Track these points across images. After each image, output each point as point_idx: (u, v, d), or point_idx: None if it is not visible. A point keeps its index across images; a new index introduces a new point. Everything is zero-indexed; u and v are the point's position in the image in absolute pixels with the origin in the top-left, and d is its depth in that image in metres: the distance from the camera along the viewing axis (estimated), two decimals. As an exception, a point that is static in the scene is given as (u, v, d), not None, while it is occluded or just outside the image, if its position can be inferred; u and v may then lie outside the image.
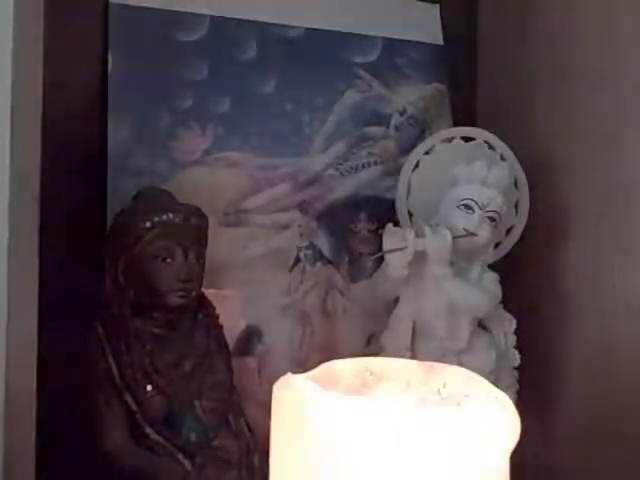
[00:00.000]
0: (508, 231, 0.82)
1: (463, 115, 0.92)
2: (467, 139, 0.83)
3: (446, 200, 0.77)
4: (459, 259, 0.75)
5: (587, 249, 0.82)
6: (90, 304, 0.68)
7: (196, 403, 0.66)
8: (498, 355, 0.77)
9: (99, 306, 0.67)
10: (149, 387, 0.65)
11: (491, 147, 0.82)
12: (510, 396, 0.42)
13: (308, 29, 0.87)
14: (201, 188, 0.78)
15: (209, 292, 0.71)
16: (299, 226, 0.83)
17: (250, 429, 0.68)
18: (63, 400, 0.65)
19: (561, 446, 0.83)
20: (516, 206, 0.82)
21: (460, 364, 0.66)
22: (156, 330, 0.67)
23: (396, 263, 0.74)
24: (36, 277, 0.56)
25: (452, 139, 0.83)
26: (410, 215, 0.82)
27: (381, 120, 0.89)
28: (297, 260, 0.82)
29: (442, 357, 0.72)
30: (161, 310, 0.67)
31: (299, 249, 0.82)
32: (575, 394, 0.83)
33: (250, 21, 0.84)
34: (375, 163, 0.87)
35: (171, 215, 0.65)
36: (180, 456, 0.64)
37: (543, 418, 0.83)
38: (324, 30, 0.88)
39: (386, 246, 0.74)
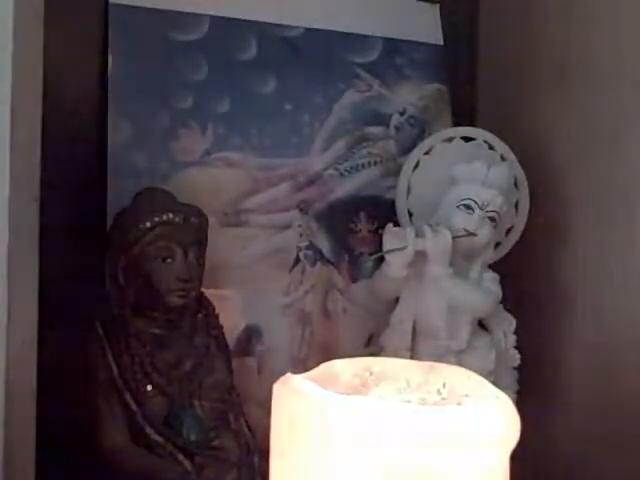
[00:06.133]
0: (508, 231, 0.82)
1: (463, 115, 0.92)
2: (467, 139, 0.83)
3: (446, 200, 0.77)
4: (459, 259, 0.75)
5: (587, 249, 0.82)
6: (90, 304, 0.68)
7: (196, 403, 0.66)
8: (498, 355, 0.77)
9: (99, 306, 0.67)
10: (149, 387, 0.65)
11: (491, 147, 0.82)
12: (510, 396, 0.42)
13: (308, 29, 0.87)
14: (201, 188, 0.78)
15: (209, 292, 0.71)
16: (299, 226, 0.82)
17: (250, 429, 0.68)
18: (63, 400, 0.65)
19: (561, 446, 0.83)
20: (516, 206, 0.82)
21: (460, 364, 0.66)
22: (156, 330, 0.67)
23: (396, 263, 0.74)
24: (36, 277, 0.56)
25: (452, 139, 0.83)
26: (410, 215, 0.82)
27: (381, 120, 0.89)
28: (297, 260, 0.82)
29: (442, 357, 0.72)
30: (161, 310, 0.67)
31: (299, 249, 0.82)
32: (575, 394, 0.83)
33: (250, 21, 0.84)
34: (375, 163, 0.87)
35: (171, 215, 0.65)
36: (180, 456, 0.64)
37: (543, 418, 0.83)
38: (324, 30, 0.88)
39: (386, 246, 0.74)
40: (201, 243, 0.68)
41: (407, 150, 0.86)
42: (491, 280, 0.77)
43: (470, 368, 0.45)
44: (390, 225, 0.76)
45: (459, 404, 0.42)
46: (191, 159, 0.79)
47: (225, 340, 0.71)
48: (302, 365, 0.71)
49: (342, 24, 0.89)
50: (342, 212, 0.85)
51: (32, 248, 0.56)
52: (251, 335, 0.79)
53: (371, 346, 0.80)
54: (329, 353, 0.79)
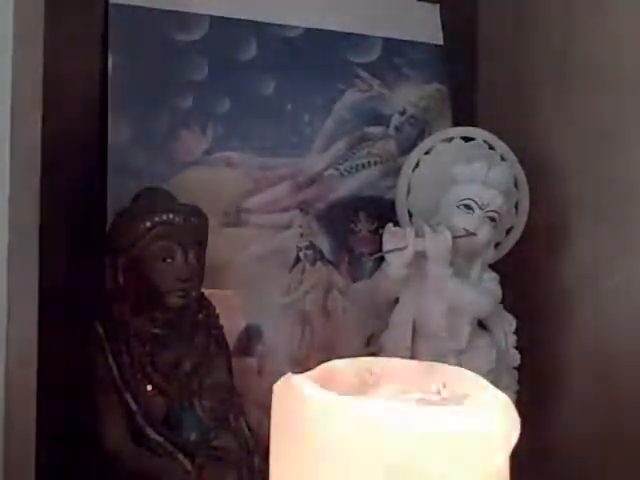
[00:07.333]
0: (508, 231, 0.82)
1: (463, 115, 0.92)
2: (467, 139, 0.83)
3: (446, 200, 0.77)
4: (459, 259, 0.75)
5: (587, 249, 0.82)
6: (90, 304, 0.68)
7: (196, 403, 0.66)
8: (498, 355, 0.77)
9: (99, 306, 0.67)
10: (149, 387, 0.65)
11: (491, 147, 0.82)
12: (510, 396, 0.42)
13: (308, 29, 0.87)
14: (201, 188, 0.78)
15: (209, 292, 0.71)
16: (299, 226, 0.83)
17: (250, 429, 0.68)
18: (63, 400, 0.65)
19: (561, 446, 0.83)
20: (516, 206, 0.82)
21: (460, 364, 0.66)
22: (156, 330, 0.67)
23: (396, 263, 0.74)
24: (36, 277, 0.56)
25: (452, 139, 0.83)
26: (410, 215, 0.82)
27: (381, 120, 0.89)
28: (297, 260, 0.82)
29: (442, 357, 0.72)
30: (161, 310, 0.66)
31: (299, 249, 0.82)
32: (575, 394, 0.83)
33: (250, 21, 0.84)
34: (375, 163, 0.87)
35: (171, 215, 0.65)
36: (180, 456, 0.64)
37: (543, 418, 0.83)
38: (324, 30, 0.88)
39: (386, 246, 0.74)
40: (201, 243, 0.68)
41: (407, 150, 0.86)
42: (491, 280, 0.77)
43: (470, 368, 0.45)
44: (390, 225, 0.76)
45: (459, 404, 0.42)
46: (191, 159, 0.79)
47: (225, 340, 0.71)
48: (302, 365, 0.71)
49: (342, 24, 0.89)
50: (342, 212, 0.85)
51: (32, 248, 0.56)
52: (251, 335, 0.79)
53: (371, 346, 0.79)
54: (329, 353, 0.79)
